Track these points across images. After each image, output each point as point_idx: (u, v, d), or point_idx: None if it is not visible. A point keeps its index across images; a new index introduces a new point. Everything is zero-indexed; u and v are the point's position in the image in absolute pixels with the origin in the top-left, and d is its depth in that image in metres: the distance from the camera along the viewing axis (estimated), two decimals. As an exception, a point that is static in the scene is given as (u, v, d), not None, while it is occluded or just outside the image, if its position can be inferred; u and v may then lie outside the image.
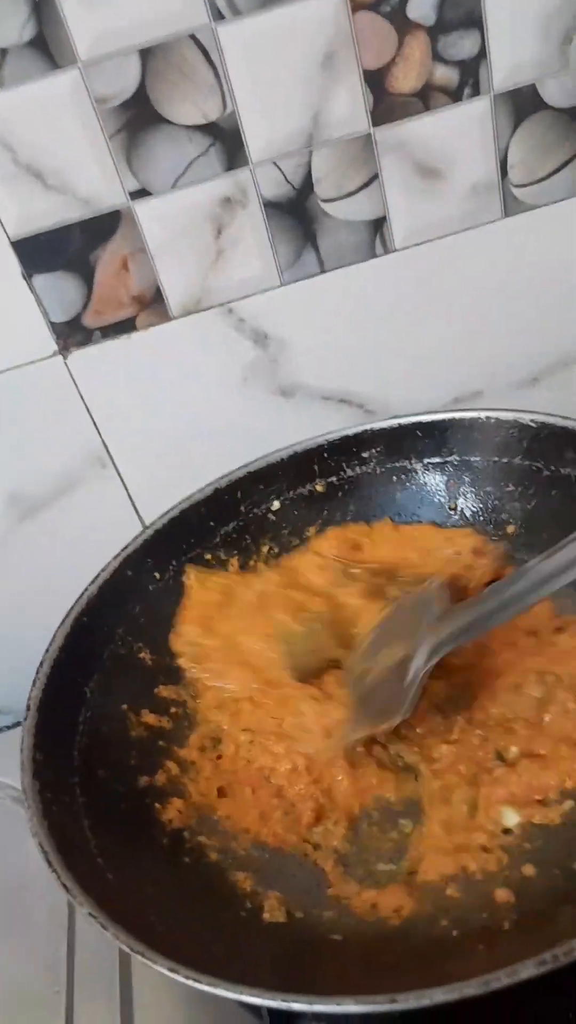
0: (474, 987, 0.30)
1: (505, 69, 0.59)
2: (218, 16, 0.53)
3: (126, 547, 0.57)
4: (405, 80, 0.58)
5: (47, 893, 0.57)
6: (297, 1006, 0.31)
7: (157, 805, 0.47)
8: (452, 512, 0.59)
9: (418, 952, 0.38)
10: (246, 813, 0.46)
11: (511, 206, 0.64)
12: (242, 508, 0.60)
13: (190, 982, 0.33)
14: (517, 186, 0.63)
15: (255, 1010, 0.44)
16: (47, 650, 0.50)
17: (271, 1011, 0.42)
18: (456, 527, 0.59)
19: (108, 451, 0.68)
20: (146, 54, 0.54)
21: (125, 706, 0.52)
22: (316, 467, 0.60)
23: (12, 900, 0.57)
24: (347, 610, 0.55)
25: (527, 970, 0.30)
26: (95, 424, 0.67)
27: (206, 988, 0.32)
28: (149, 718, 0.52)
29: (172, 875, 0.43)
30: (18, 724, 0.80)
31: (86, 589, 0.54)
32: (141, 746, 0.50)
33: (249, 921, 0.41)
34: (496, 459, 0.56)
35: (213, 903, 0.42)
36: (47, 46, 0.53)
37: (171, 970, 0.33)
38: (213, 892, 0.43)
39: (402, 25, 0.56)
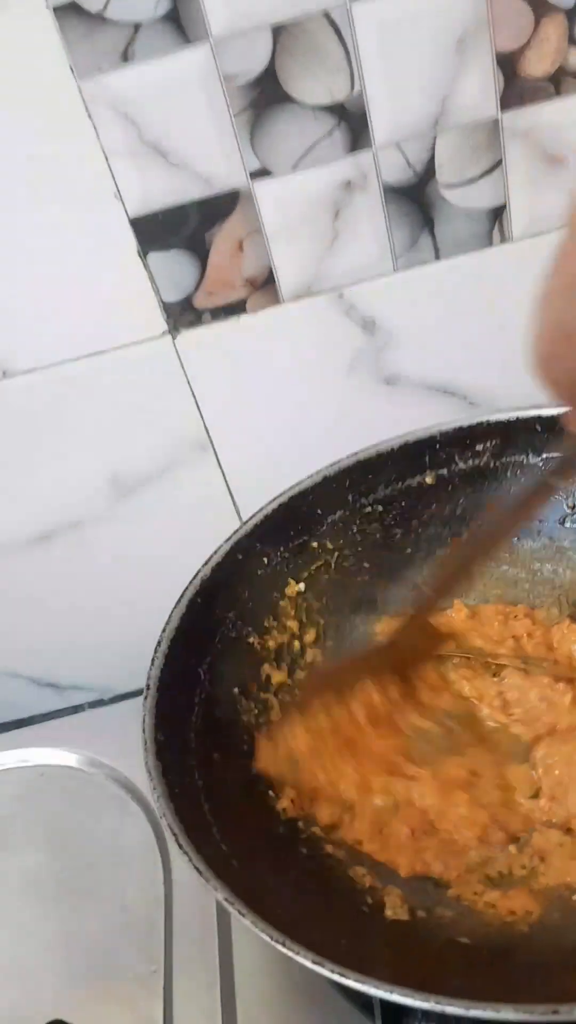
0: None
1: None
2: (354, -7, 0.52)
3: (237, 531, 0.56)
4: (539, 64, 0.56)
5: (143, 872, 0.58)
6: (452, 1010, 0.30)
7: (271, 793, 0.47)
8: (572, 512, 0.57)
9: (549, 962, 0.37)
10: (398, 853, 0.44)
11: None
12: (349, 497, 0.60)
13: (336, 976, 0.32)
14: None
15: (367, 1007, 0.43)
16: (164, 629, 0.50)
17: (384, 1007, 0.42)
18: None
19: (209, 435, 0.68)
20: (278, 31, 0.53)
21: (236, 689, 0.51)
22: (427, 458, 0.59)
23: (108, 879, 0.58)
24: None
25: None
26: (198, 407, 0.66)
27: (354, 984, 0.32)
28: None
29: (291, 865, 0.43)
30: (100, 701, 0.82)
31: (199, 571, 0.54)
32: (252, 731, 0.50)
33: (371, 917, 0.41)
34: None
35: (333, 896, 0.42)
36: (180, 21, 0.52)
37: (315, 963, 0.33)
38: (332, 885, 0.43)
39: (539, 7, 0.54)
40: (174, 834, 0.39)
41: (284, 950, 0.34)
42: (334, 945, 0.35)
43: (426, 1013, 0.41)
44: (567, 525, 0.57)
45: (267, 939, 0.34)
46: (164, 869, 0.57)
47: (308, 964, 0.33)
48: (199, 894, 0.54)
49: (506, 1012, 0.30)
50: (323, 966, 0.33)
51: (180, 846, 0.38)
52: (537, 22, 0.55)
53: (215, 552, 0.55)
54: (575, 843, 0.43)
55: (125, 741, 0.47)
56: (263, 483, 0.62)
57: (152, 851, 0.58)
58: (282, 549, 0.57)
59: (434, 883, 0.43)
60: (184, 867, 0.55)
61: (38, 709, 0.82)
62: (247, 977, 0.50)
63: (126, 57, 0.53)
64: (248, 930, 0.47)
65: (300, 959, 0.33)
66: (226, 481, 0.70)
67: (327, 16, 0.53)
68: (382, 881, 0.43)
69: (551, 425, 0.56)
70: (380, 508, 0.59)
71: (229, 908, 0.36)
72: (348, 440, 0.63)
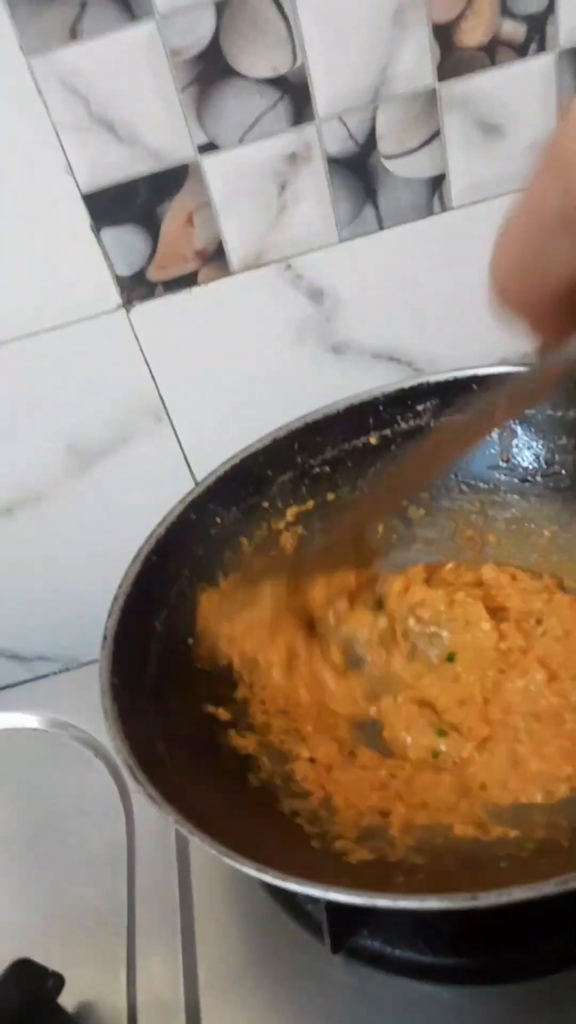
0: (552, 886, 0.32)
1: (572, 25, 0.59)
2: (293, -31, 0.54)
3: (191, 492, 0.58)
4: (473, 34, 0.58)
5: (106, 822, 0.60)
6: (382, 903, 0.33)
7: (223, 732, 0.49)
8: (504, 463, 0.60)
9: (478, 871, 0.40)
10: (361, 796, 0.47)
11: (570, 166, 0.65)
12: (298, 459, 0.62)
13: (278, 881, 0.35)
14: (576, 147, 0.64)
15: (316, 930, 0.46)
16: (120, 585, 0.53)
17: (331, 927, 0.45)
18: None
19: (164, 405, 0.70)
20: (222, 6, 0.55)
21: (191, 640, 0.54)
22: (371, 420, 0.62)
23: (74, 831, 0.60)
24: None
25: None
26: (153, 378, 0.68)
27: (294, 887, 0.34)
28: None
29: (243, 796, 0.46)
30: (66, 671, 0.83)
31: (154, 531, 0.56)
32: (206, 678, 0.52)
33: (321, 851, 0.43)
34: (551, 412, 0.58)
35: (284, 827, 0.44)
36: (126, -3, 0.54)
37: (259, 871, 0.35)
38: (282, 817, 0.45)
39: (472, -22, 0.57)
40: (128, 767, 0.41)
41: (230, 861, 0.36)
42: (278, 860, 0.38)
43: (371, 931, 0.45)
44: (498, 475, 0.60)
45: (214, 852, 0.37)
46: (126, 818, 0.59)
47: (252, 872, 0.35)
48: (159, 838, 0.57)
49: (431, 901, 0.33)
50: (266, 873, 0.35)
51: (135, 777, 0.41)
52: (471, -5, 0.57)
53: (170, 512, 0.57)
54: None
55: (88, 702, 0.48)
56: (218, 449, 0.64)
57: (115, 802, 0.61)
58: (234, 508, 0.59)
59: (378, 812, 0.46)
60: (144, 814, 0.59)
61: (5, 681, 0.83)
62: (205, 912, 0.52)
63: (74, 34, 0.54)
64: (204, 869, 0.51)
65: (245, 868, 0.36)
66: (182, 448, 0.72)
67: (268, -9, 0.55)
68: (327, 811, 0.46)
69: (487, 384, 0.59)
70: (328, 468, 0.62)
71: (180, 828, 0.38)
72: (299, 406, 0.65)
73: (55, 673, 0.84)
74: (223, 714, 0.51)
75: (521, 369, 0.58)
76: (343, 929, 0.44)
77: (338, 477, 0.63)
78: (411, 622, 0.57)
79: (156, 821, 0.58)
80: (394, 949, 0.45)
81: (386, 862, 0.41)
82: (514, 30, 0.59)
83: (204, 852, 0.37)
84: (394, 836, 0.44)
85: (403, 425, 0.62)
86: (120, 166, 0.59)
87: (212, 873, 0.54)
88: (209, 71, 0.57)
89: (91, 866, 0.58)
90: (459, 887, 0.34)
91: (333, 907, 0.43)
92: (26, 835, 0.61)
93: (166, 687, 0.49)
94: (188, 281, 0.65)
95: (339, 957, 0.46)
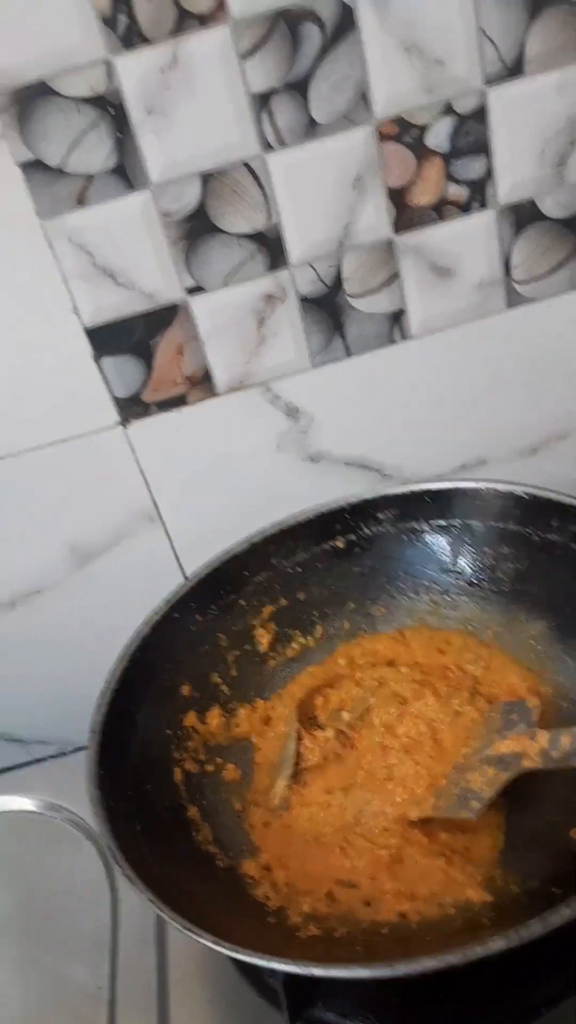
0: (457, 956, 0.37)
1: (508, 187, 0.68)
2: (267, 147, 0.64)
3: (175, 593, 0.65)
4: (423, 196, 0.67)
5: (93, 901, 0.65)
6: (318, 972, 0.38)
7: (192, 832, 0.55)
8: (454, 568, 0.67)
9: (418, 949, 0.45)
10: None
11: (513, 299, 0.73)
12: (273, 560, 0.69)
13: (227, 952, 0.40)
14: (519, 283, 0.72)
15: (278, 1003, 0.50)
16: (107, 681, 0.59)
17: (288, 998, 0.49)
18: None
19: (157, 508, 0.77)
20: (207, 177, 0.64)
21: (168, 731, 0.59)
22: (338, 526, 0.69)
23: (63, 910, 0.65)
24: None
25: (497, 943, 0.37)
26: (147, 484, 0.76)
27: (242, 957, 0.39)
28: (189, 744, 0.60)
29: (210, 878, 0.51)
30: (62, 753, 0.89)
31: (139, 629, 0.62)
32: (182, 766, 0.58)
33: (277, 926, 0.48)
34: (493, 524, 0.64)
35: (245, 908, 0.49)
36: (126, 172, 0.63)
37: (215, 943, 0.40)
38: (245, 899, 0.50)
39: (421, 152, 0.66)
40: (109, 848, 0.47)
41: (192, 936, 0.41)
42: (232, 933, 0.42)
43: (326, 1003, 0.49)
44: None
45: (180, 928, 0.42)
46: (112, 898, 0.64)
47: (209, 944, 0.40)
48: (140, 918, 0.61)
49: (356, 970, 0.37)
50: (221, 945, 0.40)
51: (115, 859, 0.46)
52: (419, 164, 0.66)
53: (155, 611, 0.63)
54: None
55: (79, 787, 0.53)
56: (206, 546, 0.71)
57: (102, 883, 0.65)
58: (213, 607, 0.66)
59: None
60: (128, 895, 0.63)
61: (5, 763, 0.88)
62: (180, 988, 0.56)
63: (81, 201, 0.64)
64: (180, 947, 0.56)
65: (203, 941, 0.41)
66: (173, 548, 0.79)
67: (247, 165, 0.64)
68: (290, 905, 0.51)
69: (438, 497, 0.66)
70: (299, 569, 0.68)
71: (152, 905, 0.43)
72: (281, 508, 0.73)
73: (52, 757, 0.89)
74: (192, 811, 0.56)
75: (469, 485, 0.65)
76: (299, 1001, 0.49)
77: (308, 577, 0.69)
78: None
79: (139, 901, 0.62)
80: (347, 1020, 0.49)
81: (332, 938, 0.46)
82: (458, 192, 0.68)
83: (179, 931, 0.42)
84: (338, 917, 0.49)
85: (366, 531, 0.69)
86: (119, 306, 0.68)
87: (187, 951, 0.58)
88: (196, 229, 0.66)
89: (78, 943, 0.62)
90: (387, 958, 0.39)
91: (289, 980, 0.47)
92: (18, 913, 0.65)
93: (144, 774, 0.55)
94: (179, 402, 0.73)
95: (298, 1029, 0.50)
